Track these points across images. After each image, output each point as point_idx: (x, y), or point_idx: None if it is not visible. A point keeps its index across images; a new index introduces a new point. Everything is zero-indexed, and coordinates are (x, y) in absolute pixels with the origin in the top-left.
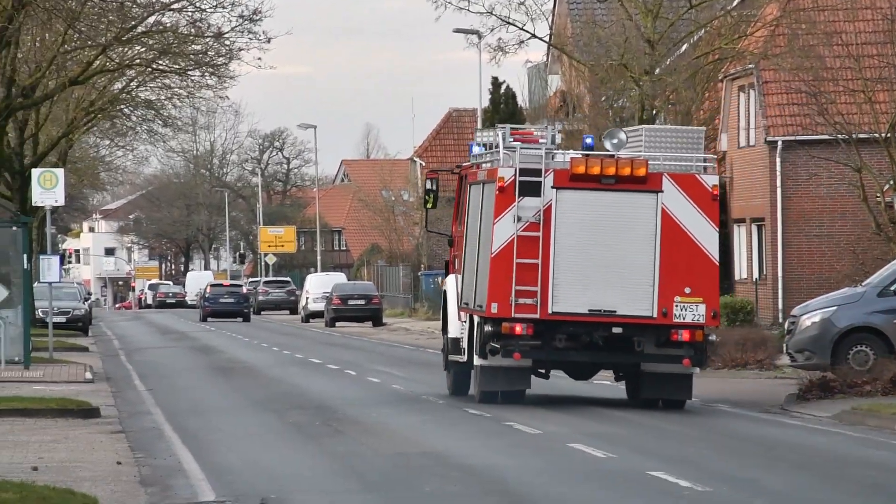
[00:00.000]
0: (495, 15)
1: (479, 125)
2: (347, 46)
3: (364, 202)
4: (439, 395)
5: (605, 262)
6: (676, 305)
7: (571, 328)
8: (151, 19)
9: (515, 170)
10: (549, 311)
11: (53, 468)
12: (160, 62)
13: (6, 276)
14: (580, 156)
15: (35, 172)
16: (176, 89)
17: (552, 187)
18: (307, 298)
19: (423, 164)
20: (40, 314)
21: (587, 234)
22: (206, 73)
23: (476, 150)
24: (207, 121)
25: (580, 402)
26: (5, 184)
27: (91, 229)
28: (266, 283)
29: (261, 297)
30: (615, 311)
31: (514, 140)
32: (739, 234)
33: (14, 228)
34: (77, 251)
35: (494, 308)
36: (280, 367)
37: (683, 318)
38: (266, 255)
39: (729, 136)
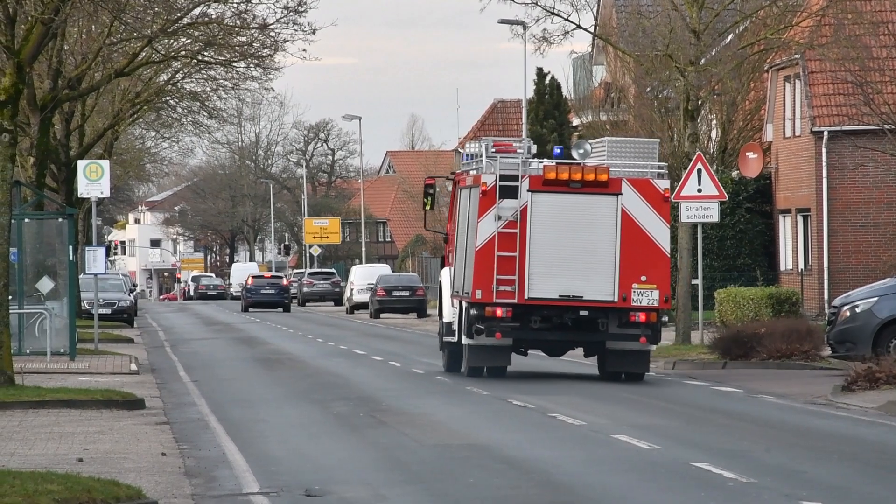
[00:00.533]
0: (540, 6)
1: (525, 116)
2: (392, 38)
3: (409, 193)
4: (484, 387)
5: (573, 254)
6: (634, 291)
7: (545, 311)
8: (197, 11)
9: (496, 176)
10: (526, 297)
11: (98, 459)
12: (205, 54)
13: (52, 267)
14: (552, 163)
15: (81, 164)
16: (221, 81)
17: (528, 191)
18: (352, 290)
19: None
20: (86, 306)
21: (557, 231)
22: (252, 65)
23: (465, 159)
24: (253, 112)
25: (624, 394)
26: (51, 175)
27: (136, 221)
28: (311, 274)
29: (305, 289)
30: (582, 297)
31: (496, 150)
32: (785, 225)
33: (60, 220)
34: (122, 242)
35: (479, 294)
36: (324, 358)
37: (640, 302)
38: (311, 246)
39: (774, 126)
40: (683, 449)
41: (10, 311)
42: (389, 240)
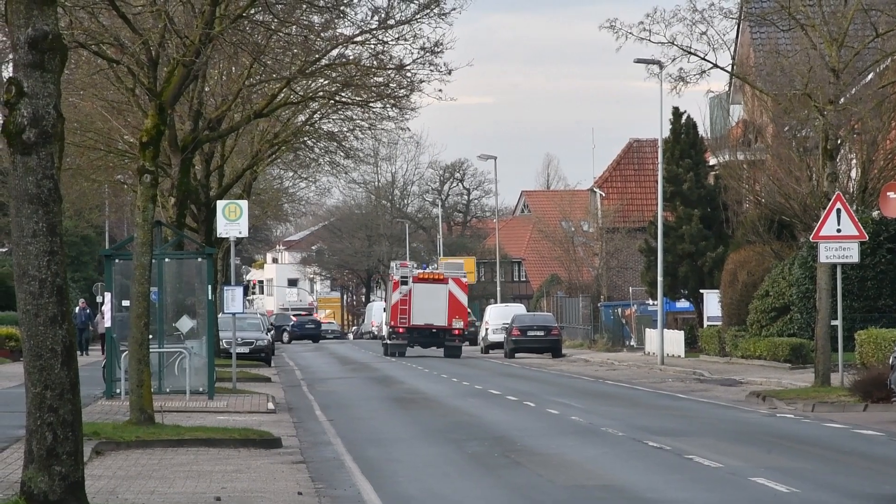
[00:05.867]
0: (676, 45)
1: (661, 156)
2: (529, 77)
3: (544, 233)
4: (619, 427)
5: (430, 308)
6: (453, 321)
7: (419, 330)
8: (335, 52)
9: (399, 277)
10: (411, 324)
11: (236, 498)
12: (343, 94)
13: (191, 306)
14: (422, 270)
15: (220, 204)
16: (358, 121)
17: (412, 282)
18: (486, 329)
19: (604, 194)
20: (224, 345)
21: (424, 299)
22: (388, 105)
23: (391, 270)
24: (389, 152)
25: (762, 436)
26: (191, 215)
27: (274, 260)
28: None
29: None
30: (433, 324)
31: (400, 266)
32: None
33: (199, 259)
34: (260, 282)
35: (392, 323)
36: (459, 398)
37: (455, 327)
38: None
39: None
40: (824, 493)
41: (151, 350)
42: (524, 279)
